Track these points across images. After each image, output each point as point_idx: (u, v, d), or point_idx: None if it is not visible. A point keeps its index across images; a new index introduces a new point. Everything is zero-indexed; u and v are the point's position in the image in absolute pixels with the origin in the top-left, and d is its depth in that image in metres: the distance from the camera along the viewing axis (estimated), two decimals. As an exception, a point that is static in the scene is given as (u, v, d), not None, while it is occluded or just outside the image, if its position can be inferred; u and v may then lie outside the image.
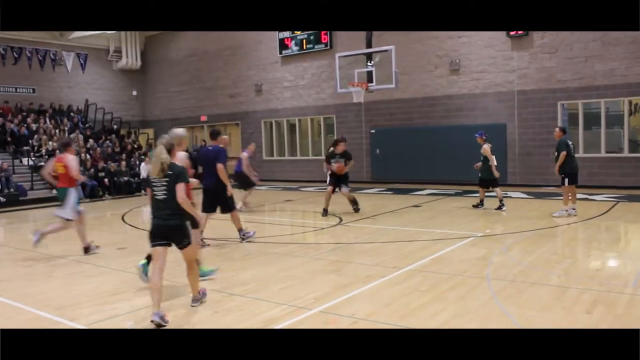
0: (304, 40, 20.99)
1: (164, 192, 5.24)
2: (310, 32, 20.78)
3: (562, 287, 6.07)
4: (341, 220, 11.31)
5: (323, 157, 13.13)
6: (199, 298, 5.77)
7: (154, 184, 5.28)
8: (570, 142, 10.83)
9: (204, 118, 24.76)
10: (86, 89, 24.95)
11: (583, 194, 13.06)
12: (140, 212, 14.53)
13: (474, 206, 12.33)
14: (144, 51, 26.83)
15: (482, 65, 17.12)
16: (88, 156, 19.90)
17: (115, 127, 24.45)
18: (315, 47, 20.72)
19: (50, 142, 20.05)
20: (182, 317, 5.46)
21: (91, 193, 17.98)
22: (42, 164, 18.86)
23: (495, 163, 11.80)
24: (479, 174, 12.05)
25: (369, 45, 16.23)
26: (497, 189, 11.94)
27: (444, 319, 5.11)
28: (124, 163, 19.79)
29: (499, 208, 11.79)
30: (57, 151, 11.88)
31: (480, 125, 15.25)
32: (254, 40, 22.55)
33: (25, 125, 20.88)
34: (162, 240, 5.32)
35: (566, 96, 15.88)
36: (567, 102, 16.05)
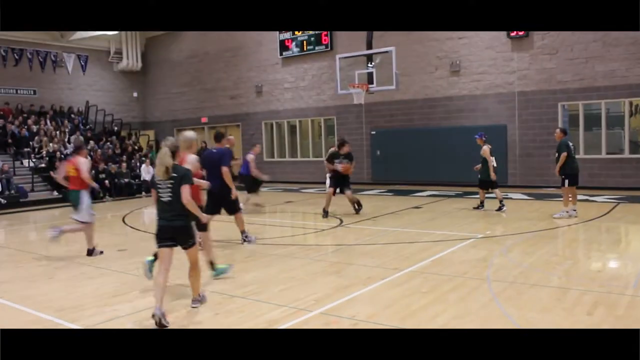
0: (305, 42, 21.01)
1: (169, 193, 5.30)
2: (310, 33, 20.80)
3: (562, 289, 6.08)
4: (342, 221, 11.32)
5: (324, 158, 13.11)
6: (199, 299, 5.79)
7: (159, 185, 5.35)
8: (571, 144, 10.82)
9: (204, 119, 24.78)
10: (87, 91, 24.98)
11: (584, 195, 13.06)
12: (142, 213, 14.53)
13: (474, 208, 12.34)
14: (144, 53, 26.86)
15: (482, 66, 17.13)
16: (89, 158, 19.89)
17: (115, 128, 24.48)
18: (316, 48, 20.74)
19: (50, 144, 20.07)
20: (182, 318, 5.46)
21: (92, 195, 17.94)
22: (43, 165, 18.96)
23: (494, 164, 11.81)
24: (479, 176, 12.06)
25: (369, 46, 16.23)
26: (497, 190, 11.94)
27: (445, 320, 5.11)
28: (124, 165, 19.79)
29: (499, 209, 11.79)
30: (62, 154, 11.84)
31: (480, 127, 15.24)
32: (254, 42, 22.57)
33: (26, 126, 20.91)
34: (168, 242, 5.38)
35: (567, 97, 15.88)
36: (567, 103, 16.05)
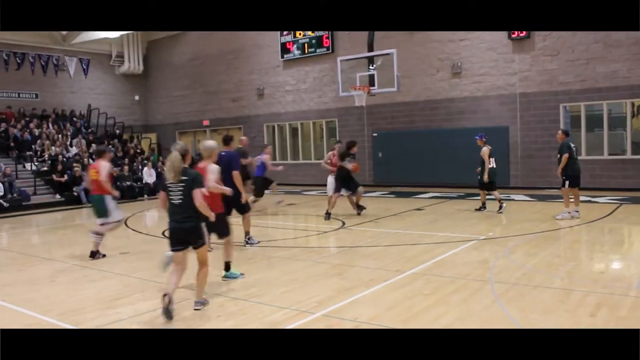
0: (306, 44, 21.02)
1: (180, 196, 5.45)
2: (311, 36, 20.82)
3: (565, 290, 6.06)
4: (344, 223, 11.31)
5: (324, 161, 13.20)
6: (202, 301, 5.80)
7: (170, 188, 5.50)
8: (572, 145, 10.81)
9: (206, 122, 24.80)
10: (89, 94, 25.03)
11: (586, 196, 13.04)
12: (144, 216, 14.54)
13: (476, 209, 12.33)
14: (146, 56, 26.91)
15: (483, 68, 17.13)
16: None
17: (117, 131, 24.50)
18: (317, 50, 20.76)
19: (53, 147, 20.10)
20: (183, 320, 5.46)
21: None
22: (45, 168, 18.99)
23: (493, 165, 11.85)
24: (479, 177, 12.08)
25: (370, 48, 16.22)
26: (495, 192, 11.99)
27: (447, 322, 5.10)
28: (126, 168, 19.81)
29: (500, 209, 11.84)
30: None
31: (482, 129, 15.22)
32: (255, 44, 22.60)
33: (28, 130, 20.94)
34: (181, 245, 5.58)
35: (568, 98, 15.87)
36: (569, 105, 16.05)
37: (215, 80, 24.23)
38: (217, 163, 8.82)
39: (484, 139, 12.08)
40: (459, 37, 17.51)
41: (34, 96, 23.33)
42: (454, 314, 5.32)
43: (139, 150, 23.18)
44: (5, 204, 16.30)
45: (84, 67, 24.86)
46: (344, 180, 12.02)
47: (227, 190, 7.00)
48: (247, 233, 9.25)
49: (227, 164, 8.50)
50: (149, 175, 20.02)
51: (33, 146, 20.20)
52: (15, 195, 16.94)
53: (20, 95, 22.94)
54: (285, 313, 5.54)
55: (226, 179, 8.45)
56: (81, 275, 7.72)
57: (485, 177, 11.78)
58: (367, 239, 9.68)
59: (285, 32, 21.46)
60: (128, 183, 19.35)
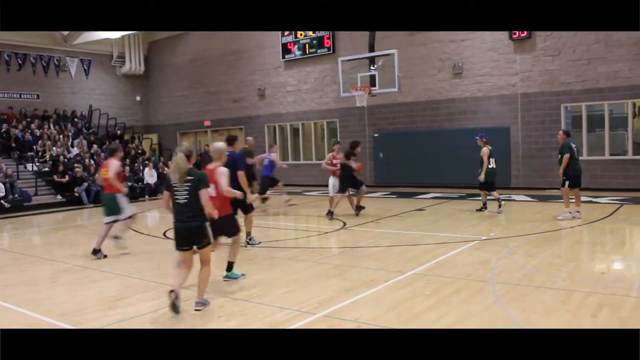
0: (307, 45, 21.02)
1: (186, 196, 5.56)
2: (312, 36, 20.82)
3: (566, 291, 6.05)
4: (345, 224, 11.31)
5: (324, 161, 13.26)
6: (203, 301, 5.80)
7: (176, 188, 5.59)
8: (573, 145, 10.81)
9: (207, 123, 24.81)
10: (90, 95, 25.06)
11: (587, 196, 13.03)
12: (145, 217, 14.54)
13: (477, 210, 12.33)
14: (147, 56, 26.93)
15: (485, 68, 17.12)
16: (92, 161, 19.96)
17: (119, 132, 24.52)
18: (318, 51, 20.76)
19: (54, 148, 20.12)
20: (184, 321, 5.46)
21: (95, 198, 18.02)
22: (47, 169, 19.01)
23: (493, 166, 11.86)
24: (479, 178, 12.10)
25: (371, 49, 16.22)
26: (494, 192, 12.04)
27: (448, 322, 5.10)
28: (127, 168, 19.81)
29: (499, 207, 11.91)
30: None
31: (483, 129, 15.21)
32: (257, 45, 22.61)
33: (29, 131, 20.96)
34: (186, 246, 5.68)
35: (569, 99, 15.86)
36: (570, 105, 16.03)
37: (217, 80, 24.24)
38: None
39: (484, 139, 12.10)
40: (460, 38, 17.50)
41: (36, 97, 23.35)
42: (455, 315, 5.32)
43: (140, 151, 23.20)
44: (6, 204, 16.32)
45: (85, 67, 24.88)
46: (348, 179, 12.10)
47: (239, 194, 7.08)
48: (248, 234, 9.26)
49: (232, 164, 8.51)
50: (150, 176, 20.04)
51: (34, 147, 20.23)
52: (16, 195, 16.97)
53: (22, 95, 22.96)
54: (287, 314, 5.54)
55: (231, 179, 8.47)
56: (82, 275, 7.73)
57: (482, 177, 11.82)
58: (368, 239, 9.68)
59: (286, 33, 21.46)
60: (129, 184, 19.33)
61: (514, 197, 14.52)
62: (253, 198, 8.89)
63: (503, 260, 7.57)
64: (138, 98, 27.06)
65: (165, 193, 5.77)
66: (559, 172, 10.84)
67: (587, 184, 12.81)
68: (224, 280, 6.92)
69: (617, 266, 7.43)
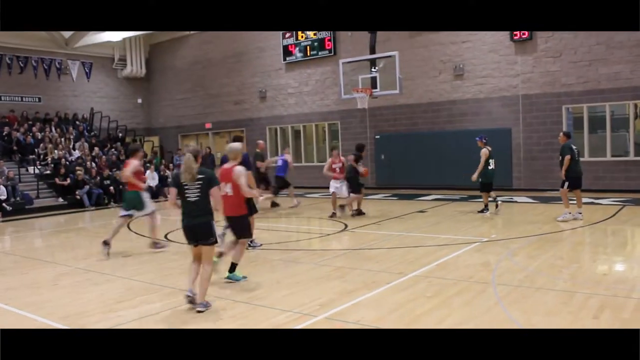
0: (308, 47, 21.04)
1: (197, 194, 5.79)
2: (314, 38, 20.82)
3: (568, 292, 6.05)
4: (346, 226, 11.31)
5: (326, 164, 13.31)
6: (204, 303, 5.81)
7: (187, 187, 5.81)
8: (574, 147, 10.81)
9: (208, 125, 24.83)
10: (91, 97, 25.09)
11: (588, 198, 13.02)
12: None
13: (479, 211, 12.33)
14: (148, 59, 26.97)
15: (486, 70, 17.12)
16: (94, 164, 19.99)
17: (120, 135, 24.55)
18: (319, 53, 20.77)
19: (55, 151, 20.15)
20: (185, 322, 5.46)
21: (97, 201, 18.07)
22: (48, 172, 19.04)
23: (492, 167, 11.91)
24: (480, 179, 12.11)
25: (372, 51, 16.25)
26: (492, 193, 12.17)
27: (450, 324, 5.10)
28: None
29: (496, 207, 12.04)
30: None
31: (484, 130, 15.20)
32: (258, 47, 22.63)
33: (31, 134, 21.00)
34: (194, 241, 5.92)
35: (571, 100, 15.85)
36: (571, 106, 16.03)
37: (218, 83, 24.27)
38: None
39: (484, 140, 12.15)
40: (461, 39, 17.50)
41: (37, 100, 23.39)
42: (457, 317, 5.31)
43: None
44: (8, 207, 16.33)
45: (87, 70, 24.92)
46: (354, 181, 12.31)
47: (256, 193, 7.23)
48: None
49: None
50: (151, 179, 20.01)
51: (36, 150, 20.25)
52: (18, 198, 16.99)
53: (23, 98, 23.00)
54: (288, 316, 5.54)
55: None
56: (84, 278, 7.73)
57: (474, 177, 11.93)
58: (369, 241, 9.68)
59: (287, 35, 21.49)
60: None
61: (515, 198, 14.51)
62: (262, 199, 9.01)
63: (504, 262, 7.57)
64: (139, 101, 27.09)
65: (172, 191, 5.96)
66: (560, 174, 10.84)
67: (589, 185, 12.80)
68: (225, 282, 6.91)
69: (618, 268, 7.42)
